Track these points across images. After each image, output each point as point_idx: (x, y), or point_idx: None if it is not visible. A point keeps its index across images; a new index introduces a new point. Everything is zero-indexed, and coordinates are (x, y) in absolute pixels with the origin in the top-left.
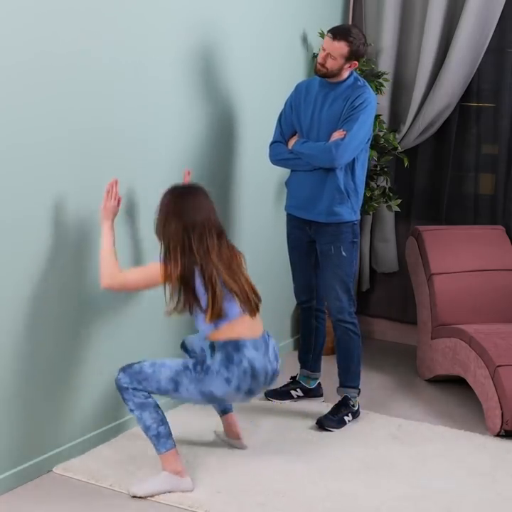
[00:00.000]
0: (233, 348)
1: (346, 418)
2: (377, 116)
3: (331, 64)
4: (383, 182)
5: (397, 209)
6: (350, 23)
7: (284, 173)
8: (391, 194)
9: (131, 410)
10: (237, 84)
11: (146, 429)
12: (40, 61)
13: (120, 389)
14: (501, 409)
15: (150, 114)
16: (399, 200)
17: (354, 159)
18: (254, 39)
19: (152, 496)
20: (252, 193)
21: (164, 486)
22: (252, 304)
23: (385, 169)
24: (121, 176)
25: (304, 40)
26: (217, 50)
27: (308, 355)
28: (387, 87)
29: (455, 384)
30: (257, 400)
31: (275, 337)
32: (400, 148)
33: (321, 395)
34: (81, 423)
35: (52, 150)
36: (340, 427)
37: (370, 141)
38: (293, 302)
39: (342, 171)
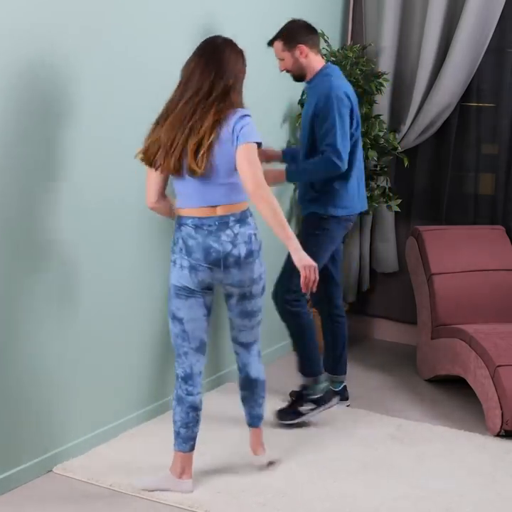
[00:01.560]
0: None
1: (302, 409)
2: (377, 116)
3: (284, 65)
4: (383, 182)
5: (397, 209)
6: (350, 23)
7: None
8: (391, 194)
9: (173, 398)
10: None
11: (173, 422)
12: (45, 63)
13: (175, 377)
14: (501, 409)
15: (151, 112)
16: (399, 200)
17: None
18: (254, 39)
19: (152, 491)
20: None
21: (163, 483)
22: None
23: (385, 169)
24: (126, 176)
25: None
26: None
27: (326, 358)
28: (387, 87)
29: (455, 384)
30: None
31: (275, 337)
32: (399, 148)
33: (347, 399)
34: (81, 423)
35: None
36: (295, 418)
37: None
38: None
39: None
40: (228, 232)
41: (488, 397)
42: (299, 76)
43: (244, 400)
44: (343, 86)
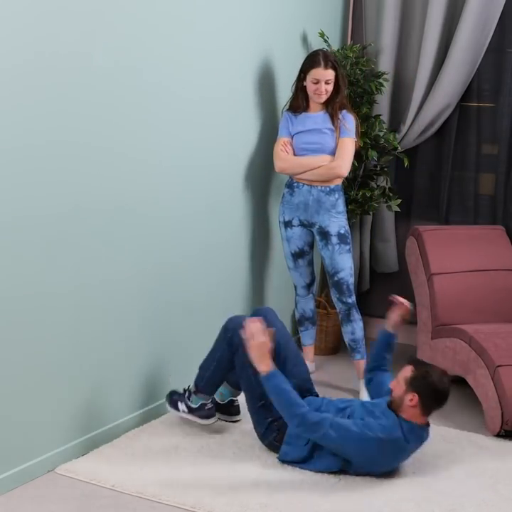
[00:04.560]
0: None
1: (180, 405)
2: (377, 116)
3: None
4: (383, 182)
5: (397, 209)
6: (350, 23)
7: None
8: (391, 194)
9: None
10: (237, 84)
11: None
12: (40, 63)
13: None
14: (501, 409)
15: (149, 116)
16: (399, 200)
17: None
18: (254, 39)
19: None
20: (257, 196)
21: None
22: None
23: (385, 169)
24: (119, 176)
25: (304, 40)
26: (217, 51)
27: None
28: (387, 87)
29: (455, 384)
30: None
31: None
32: (399, 148)
33: (237, 413)
34: (82, 423)
35: (52, 155)
36: (172, 407)
37: None
38: (293, 302)
39: None
40: None
41: (488, 397)
42: None
43: None
44: None
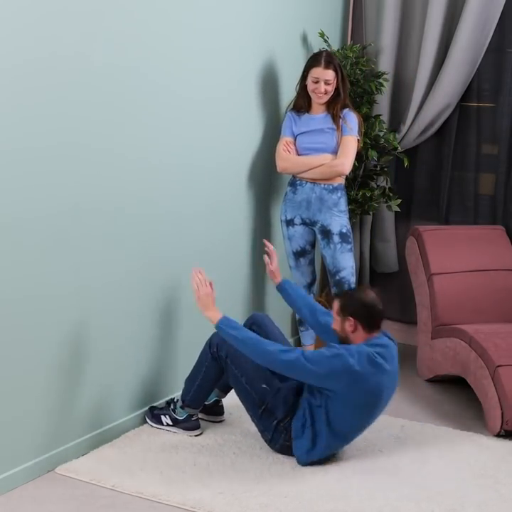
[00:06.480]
0: None
1: (163, 418)
2: (377, 116)
3: (334, 325)
4: (383, 182)
5: (397, 209)
6: (350, 23)
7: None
8: (391, 194)
9: None
10: (237, 84)
11: None
12: (40, 64)
13: None
14: (501, 409)
15: (149, 116)
16: (399, 200)
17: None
18: (254, 40)
19: None
20: (258, 196)
21: None
22: None
23: (385, 169)
24: (119, 177)
25: (304, 40)
26: (217, 52)
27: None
28: (387, 87)
29: (455, 384)
30: None
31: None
32: (399, 148)
33: (221, 414)
34: (83, 423)
35: (53, 155)
36: (154, 422)
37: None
38: None
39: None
40: None
41: (488, 397)
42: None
43: None
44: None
